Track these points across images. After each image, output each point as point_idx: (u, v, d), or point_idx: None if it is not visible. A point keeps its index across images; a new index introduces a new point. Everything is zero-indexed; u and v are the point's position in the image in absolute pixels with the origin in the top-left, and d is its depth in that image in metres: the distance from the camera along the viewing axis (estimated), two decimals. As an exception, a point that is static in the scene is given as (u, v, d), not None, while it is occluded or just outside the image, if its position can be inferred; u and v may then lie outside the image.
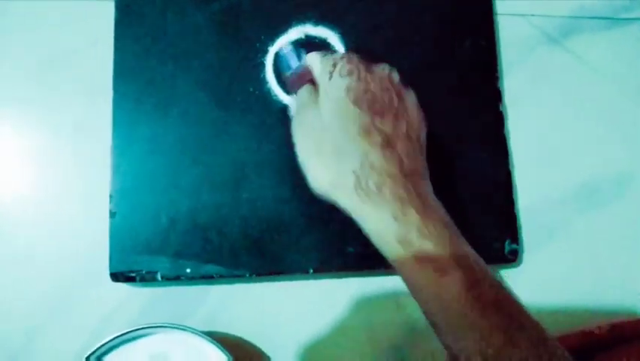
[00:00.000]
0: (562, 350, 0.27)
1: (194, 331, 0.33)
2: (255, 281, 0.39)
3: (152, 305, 0.38)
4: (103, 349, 0.32)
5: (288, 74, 0.36)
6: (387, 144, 0.28)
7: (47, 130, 0.39)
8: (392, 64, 0.33)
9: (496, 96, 0.42)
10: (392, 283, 0.40)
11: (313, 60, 0.32)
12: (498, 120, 0.42)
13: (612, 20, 0.46)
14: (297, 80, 0.34)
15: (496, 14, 0.44)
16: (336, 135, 0.29)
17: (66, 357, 0.36)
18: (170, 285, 0.38)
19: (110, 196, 0.37)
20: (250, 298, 0.39)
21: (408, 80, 0.33)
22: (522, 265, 0.41)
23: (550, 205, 0.42)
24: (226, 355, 0.33)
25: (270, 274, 0.38)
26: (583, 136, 0.43)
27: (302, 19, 0.40)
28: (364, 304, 0.39)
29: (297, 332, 0.39)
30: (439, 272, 0.26)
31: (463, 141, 0.41)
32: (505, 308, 0.27)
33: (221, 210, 0.38)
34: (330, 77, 0.30)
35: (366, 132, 0.28)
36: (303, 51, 0.37)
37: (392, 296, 0.40)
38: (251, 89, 0.39)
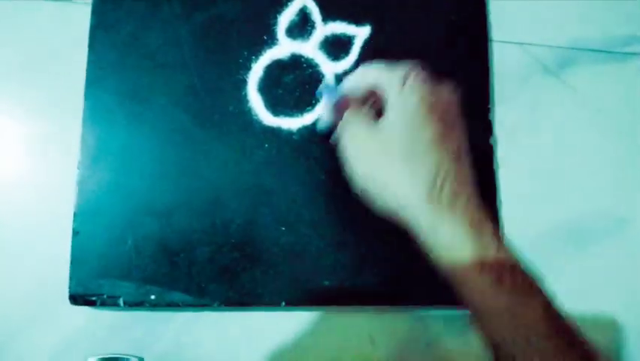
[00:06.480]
0: None
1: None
2: (223, 310, 0.37)
3: (114, 329, 0.36)
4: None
5: (332, 103, 0.35)
6: (458, 155, 0.29)
7: (13, 139, 0.37)
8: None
9: (487, 128, 0.40)
10: (367, 318, 0.38)
11: (377, 75, 0.32)
12: (487, 153, 0.40)
13: (609, 54, 0.44)
14: (342, 107, 0.34)
15: (491, 41, 0.43)
16: (407, 145, 0.29)
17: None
18: (134, 310, 0.36)
19: (75, 214, 0.35)
20: (217, 326, 0.37)
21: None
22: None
23: (537, 243, 0.41)
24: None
25: (239, 305, 0.36)
26: (574, 172, 0.42)
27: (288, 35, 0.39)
28: (338, 339, 0.38)
29: (265, 364, 0.37)
30: (521, 296, 0.26)
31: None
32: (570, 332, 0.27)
33: (192, 235, 0.36)
34: (401, 90, 0.30)
35: (440, 140, 0.29)
36: (339, 82, 0.37)
37: (366, 332, 0.38)
38: (231, 108, 0.37)
